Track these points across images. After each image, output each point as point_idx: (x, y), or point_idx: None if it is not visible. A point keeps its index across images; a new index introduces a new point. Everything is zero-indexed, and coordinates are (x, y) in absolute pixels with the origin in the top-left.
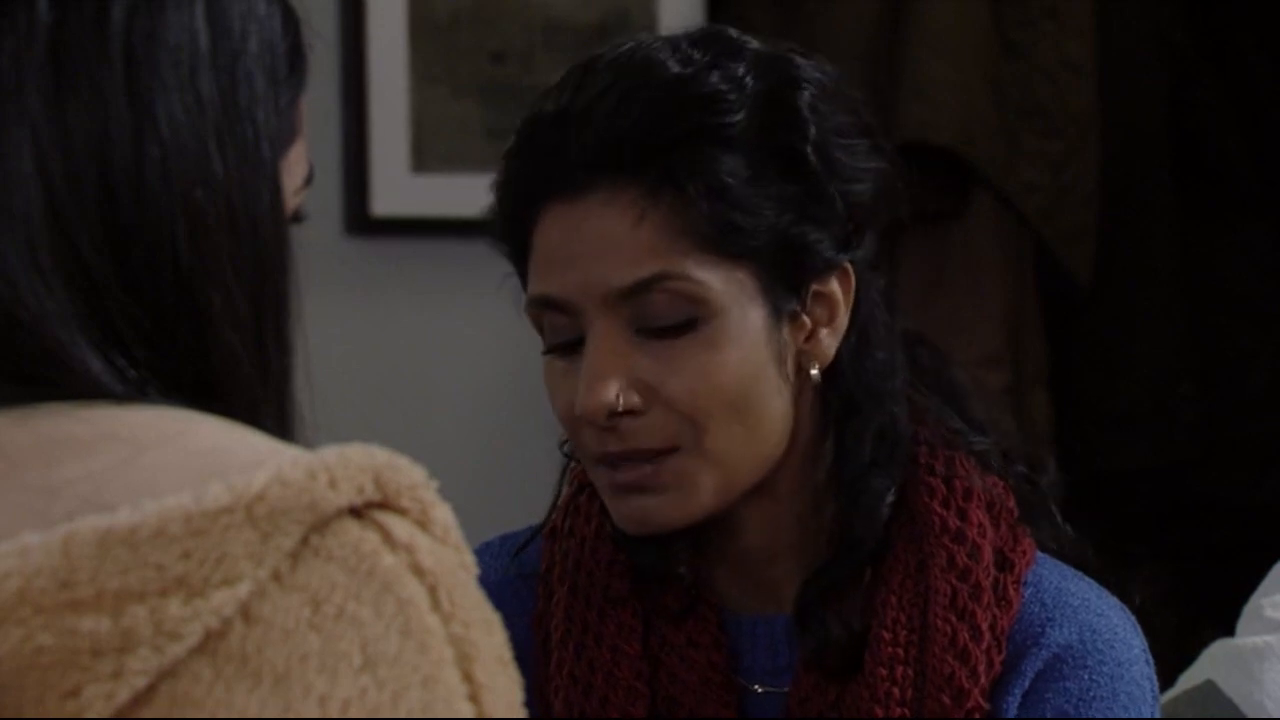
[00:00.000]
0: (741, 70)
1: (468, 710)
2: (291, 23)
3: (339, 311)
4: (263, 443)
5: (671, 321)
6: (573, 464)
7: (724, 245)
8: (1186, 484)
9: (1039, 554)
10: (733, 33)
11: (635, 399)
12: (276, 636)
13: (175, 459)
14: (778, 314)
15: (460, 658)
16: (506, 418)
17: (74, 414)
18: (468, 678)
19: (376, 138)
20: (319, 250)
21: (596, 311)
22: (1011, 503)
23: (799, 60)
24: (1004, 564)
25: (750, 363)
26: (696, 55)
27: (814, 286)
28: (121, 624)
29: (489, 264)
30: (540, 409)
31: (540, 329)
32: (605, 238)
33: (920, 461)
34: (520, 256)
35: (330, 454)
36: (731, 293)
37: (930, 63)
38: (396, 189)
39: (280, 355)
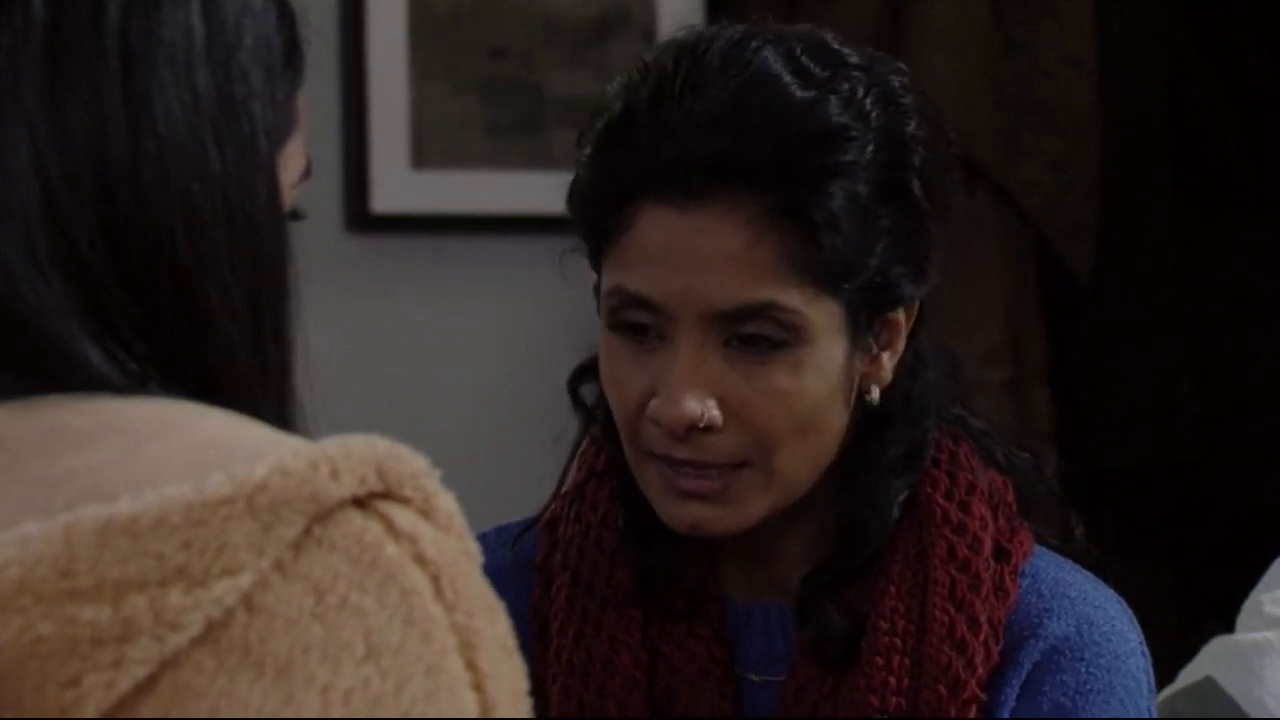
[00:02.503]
0: (861, 94)
1: (471, 699)
2: (287, 17)
3: (339, 309)
4: (265, 434)
5: (763, 344)
6: (584, 448)
7: (827, 278)
8: (1187, 481)
9: (1036, 546)
10: (833, 42)
11: (716, 415)
12: (280, 627)
13: (177, 450)
14: (854, 345)
15: (463, 646)
16: (507, 415)
17: (75, 406)
18: (471, 666)
19: (376, 134)
20: (319, 247)
21: (692, 322)
22: (1010, 497)
23: (898, 81)
24: (1001, 555)
25: (826, 391)
26: (816, 71)
27: (884, 316)
28: (122, 613)
29: (489, 261)
30: (541, 407)
31: (611, 309)
32: (719, 254)
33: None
34: (600, 236)
35: (332, 445)
36: (823, 324)
37: (931, 60)
38: (396, 186)
39: (279, 350)
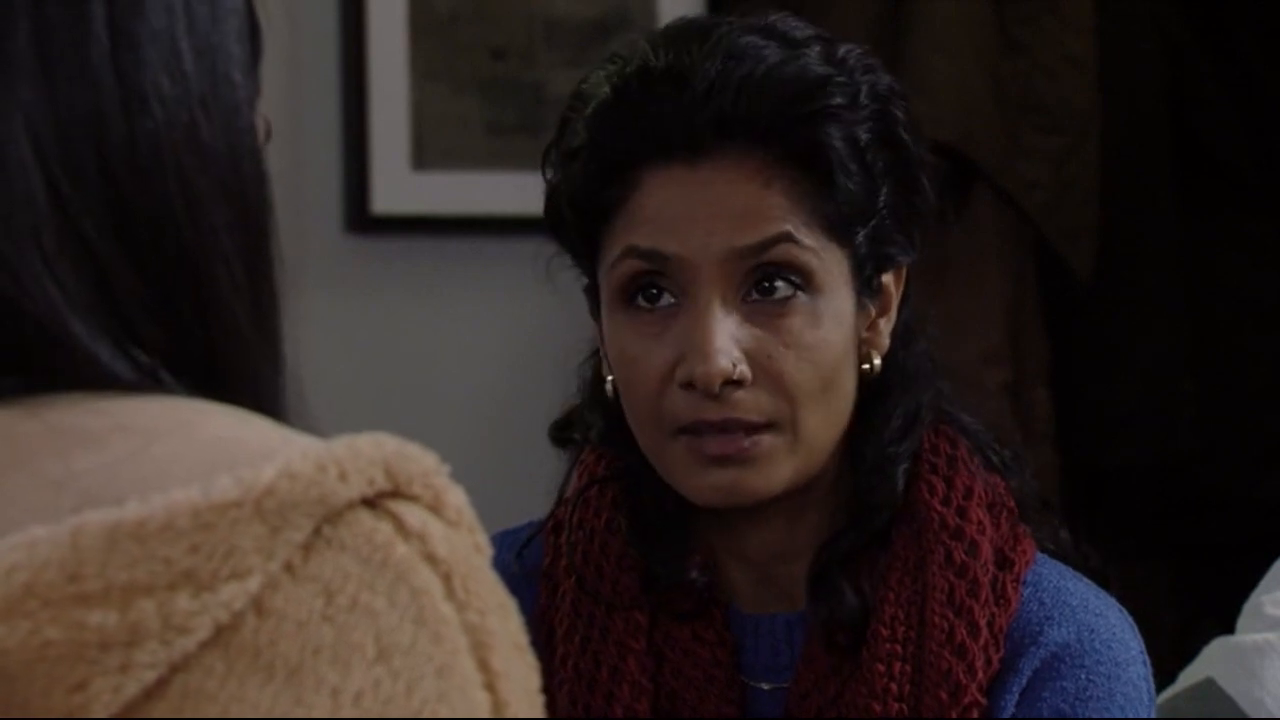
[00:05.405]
0: (838, 52)
1: (483, 698)
2: None
3: (339, 310)
4: (272, 432)
5: (781, 292)
6: (584, 455)
7: (834, 224)
8: (1187, 481)
9: (1039, 553)
10: (796, 23)
11: (746, 369)
12: (290, 629)
13: (185, 449)
14: (859, 303)
15: (475, 646)
16: (508, 416)
17: (85, 405)
18: (483, 666)
19: (377, 135)
20: (319, 248)
21: (712, 273)
22: (1012, 502)
23: (861, 52)
24: (1003, 562)
25: (842, 345)
26: (789, 35)
27: (880, 278)
28: (129, 618)
29: (489, 261)
30: (540, 407)
31: (621, 278)
32: (733, 200)
33: (923, 459)
34: (597, 215)
35: (340, 445)
36: (832, 272)
37: (931, 59)
38: (397, 186)
39: (275, 314)
